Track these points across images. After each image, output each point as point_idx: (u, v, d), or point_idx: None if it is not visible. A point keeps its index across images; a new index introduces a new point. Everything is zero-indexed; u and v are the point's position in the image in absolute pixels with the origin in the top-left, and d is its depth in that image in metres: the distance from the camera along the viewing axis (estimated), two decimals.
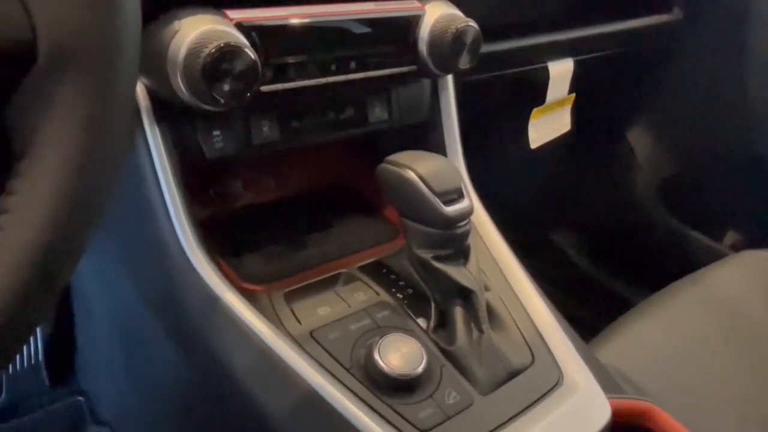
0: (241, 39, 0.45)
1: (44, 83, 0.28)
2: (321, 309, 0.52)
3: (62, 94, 0.28)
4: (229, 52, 0.43)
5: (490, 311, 0.53)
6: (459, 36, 0.56)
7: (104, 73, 0.29)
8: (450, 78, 0.65)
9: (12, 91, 0.28)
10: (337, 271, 0.57)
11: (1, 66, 0.27)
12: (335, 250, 0.60)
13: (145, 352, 0.63)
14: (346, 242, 0.61)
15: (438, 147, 0.65)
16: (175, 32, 0.44)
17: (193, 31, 0.44)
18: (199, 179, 0.52)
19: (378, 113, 0.61)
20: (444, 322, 0.52)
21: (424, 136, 0.66)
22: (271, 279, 0.55)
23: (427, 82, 0.64)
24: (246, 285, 0.54)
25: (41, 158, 0.28)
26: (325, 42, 0.52)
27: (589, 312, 1.23)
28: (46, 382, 0.86)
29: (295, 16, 0.50)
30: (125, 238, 0.56)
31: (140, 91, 0.47)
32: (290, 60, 0.51)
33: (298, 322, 0.50)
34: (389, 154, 0.53)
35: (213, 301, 0.48)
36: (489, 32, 0.60)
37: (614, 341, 0.75)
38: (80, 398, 0.85)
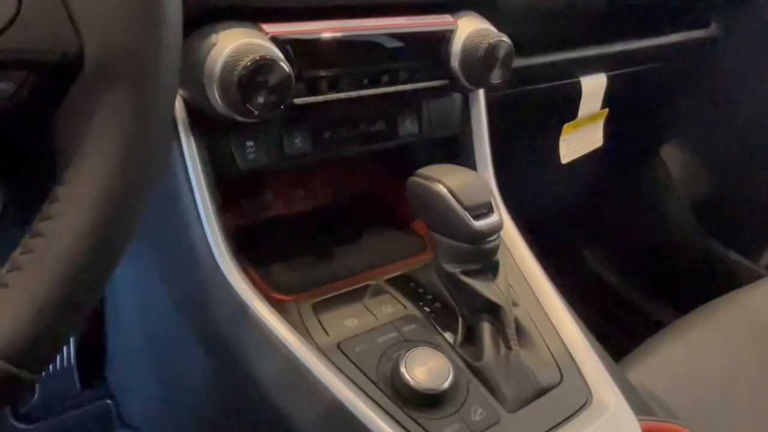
0: (276, 52, 0.46)
1: (89, 96, 0.29)
2: (348, 321, 0.52)
3: (105, 106, 0.29)
4: (264, 65, 0.44)
5: (519, 327, 0.52)
6: (491, 51, 0.56)
7: (146, 87, 0.30)
8: (481, 92, 0.65)
9: (58, 103, 0.29)
10: (365, 283, 0.57)
11: (48, 79, 0.28)
12: (364, 262, 0.60)
13: (173, 358, 0.63)
14: (374, 254, 0.61)
15: (468, 161, 0.65)
16: (213, 45, 0.45)
17: (229, 45, 0.45)
18: (231, 189, 0.53)
19: (408, 126, 0.61)
20: (471, 338, 0.52)
21: (455, 149, 0.65)
22: (299, 289, 0.55)
23: (458, 96, 0.64)
24: (275, 295, 0.54)
25: (84, 168, 0.29)
26: (358, 56, 0.53)
27: (620, 331, 1.21)
28: (77, 385, 0.87)
29: (328, 31, 0.51)
30: (158, 245, 0.57)
31: (177, 102, 0.48)
32: (323, 73, 0.51)
33: (326, 333, 0.50)
34: (419, 167, 0.53)
35: (242, 309, 0.49)
36: (521, 47, 0.60)
37: (645, 362, 0.74)
38: (109, 402, 0.87)
